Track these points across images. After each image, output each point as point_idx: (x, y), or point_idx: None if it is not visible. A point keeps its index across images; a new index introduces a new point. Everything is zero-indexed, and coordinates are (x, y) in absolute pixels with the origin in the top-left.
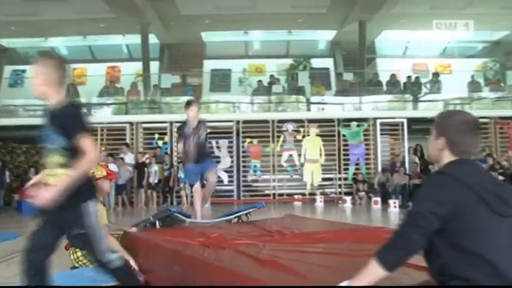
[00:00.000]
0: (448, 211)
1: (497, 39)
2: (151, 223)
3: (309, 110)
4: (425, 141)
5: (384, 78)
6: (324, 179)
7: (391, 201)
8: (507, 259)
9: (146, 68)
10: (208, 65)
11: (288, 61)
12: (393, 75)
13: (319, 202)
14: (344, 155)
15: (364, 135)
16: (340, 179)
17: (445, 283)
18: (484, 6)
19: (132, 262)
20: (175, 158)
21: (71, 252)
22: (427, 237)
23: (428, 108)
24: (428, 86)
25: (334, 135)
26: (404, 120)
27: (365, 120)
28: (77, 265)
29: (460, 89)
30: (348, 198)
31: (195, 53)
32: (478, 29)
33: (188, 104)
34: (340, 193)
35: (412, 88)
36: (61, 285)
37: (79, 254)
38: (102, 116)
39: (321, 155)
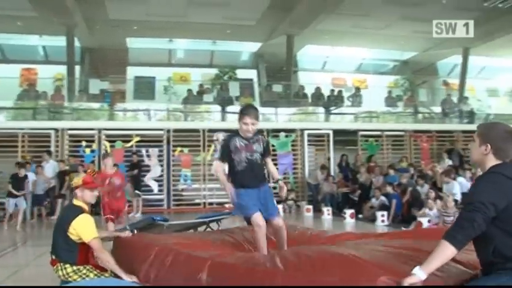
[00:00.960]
0: (503, 203)
1: (406, 58)
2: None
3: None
4: (350, 151)
5: (308, 90)
6: None
7: (324, 209)
8: None
9: (71, 72)
10: (132, 71)
11: (213, 71)
12: (318, 88)
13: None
14: (273, 164)
15: (292, 145)
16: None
17: (495, 263)
18: (398, 29)
19: (124, 276)
20: None
21: (59, 268)
22: (487, 222)
23: (351, 121)
24: (351, 99)
25: None
26: (330, 132)
27: (293, 131)
28: (67, 281)
29: (377, 103)
30: (280, 206)
31: (118, 58)
32: (390, 49)
33: (246, 111)
34: None
35: (335, 101)
36: None
37: (69, 270)
38: (22, 122)
39: None
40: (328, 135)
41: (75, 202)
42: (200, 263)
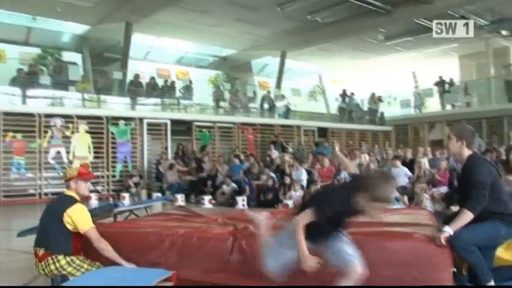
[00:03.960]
0: (490, 179)
1: (225, 55)
2: None
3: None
4: (185, 141)
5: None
6: None
7: (178, 196)
8: (509, 200)
9: None
10: None
11: (35, 50)
12: (153, 78)
13: (94, 200)
14: (112, 152)
15: (131, 134)
16: (108, 176)
17: (486, 217)
18: (230, 28)
19: (125, 263)
20: None
21: (51, 261)
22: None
23: (187, 112)
24: (182, 91)
25: (102, 133)
26: (168, 121)
27: (132, 119)
28: (60, 274)
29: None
30: (127, 195)
31: None
32: (215, 45)
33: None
34: (108, 190)
35: (169, 92)
36: None
37: (63, 262)
38: None
39: (89, 152)
40: (166, 124)
41: (68, 192)
42: (224, 245)
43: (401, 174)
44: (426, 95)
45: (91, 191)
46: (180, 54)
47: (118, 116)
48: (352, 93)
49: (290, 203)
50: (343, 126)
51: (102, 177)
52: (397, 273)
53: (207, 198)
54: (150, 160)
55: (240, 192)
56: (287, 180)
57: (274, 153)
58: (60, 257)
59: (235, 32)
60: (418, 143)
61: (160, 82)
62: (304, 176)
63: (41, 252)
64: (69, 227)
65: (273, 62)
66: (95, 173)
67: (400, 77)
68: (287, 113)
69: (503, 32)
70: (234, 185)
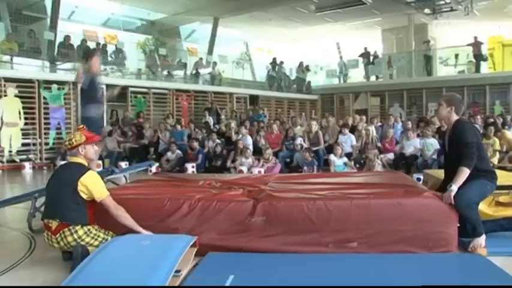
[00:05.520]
0: (476, 139)
1: (153, 19)
2: None
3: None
4: (120, 107)
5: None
6: (23, 144)
7: (122, 163)
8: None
9: None
10: None
11: None
12: (84, 40)
13: (28, 169)
14: (45, 118)
15: (65, 99)
16: (41, 144)
17: (473, 174)
18: None
19: (143, 231)
20: None
21: (68, 233)
22: None
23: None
24: (113, 55)
25: (34, 98)
26: (104, 86)
27: (66, 83)
28: (80, 244)
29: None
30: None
31: None
32: (140, 8)
33: None
34: (41, 159)
35: (102, 56)
36: None
37: (81, 232)
38: None
39: (20, 118)
40: (101, 89)
41: (76, 160)
42: (245, 206)
43: (349, 141)
44: (351, 66)
45: (22, 160)
46: (106, 16)
47: (50, 79)
48: (282, 62)
49: (244, 169)
50: (273, 94)
51: (34, 144)
52: (411, 227)
53: (154, 165)
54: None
55: (185, 158)
56: (240, 145)
57: (210, 120)
58: (78, 228)
59: None
60: (344, 111)
61: (91, 45)
62: (250, 142)
63: (55, 224)
64: (84, 196)
65: (200, 28)
66: (26, 141)
67: (326, 47)
68: (218, 80)
69: (426, 10)
70: (179, 151)
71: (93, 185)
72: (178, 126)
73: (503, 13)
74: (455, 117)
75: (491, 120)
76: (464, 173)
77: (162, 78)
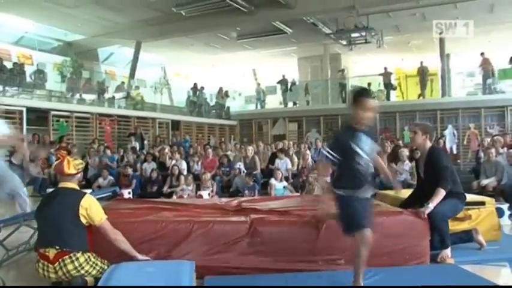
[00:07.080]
0: (450, 164)
1: (70, 40)
2: None
3: None
4: (42, 131)
5: None
6: None
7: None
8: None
9: None
10: None
11: None
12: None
13: None
14: None
15: None
16: None
17: (448, 195)
18: (86, 12)
19: (139, 256)
20: None
21: (69, 260)
22: None
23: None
24: (33, 76)
25: None
26: (24, 109)
27: None
28: (80, 273)
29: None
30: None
31: None
32: (56, 27)
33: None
34: None
35: (20, 76)
36: None
37: (82, 259)
38: None
39: None
40: (21, 112)
41: (69, 185)
42: (239, 228)
43: (284, 166)
44: (269, 92)
45: None
46: (19, 34)
47: None
48: (202, 87)
49: (185, 194)
50: (194, 120)
51: None
52: (390, 243)
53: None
54: None
55: (117, 184)
56: (176, 171)
57: (136, 145)
58: (79, 254)
59: (89, 16)
60: (262, 137)
61: (8, 65)
62: (185, 166)
63: (53, 252)
64: (84, 221)
65: (118, 51)
66: None
67: (243, 73)
68: (140, 104)
69: (343, 42)
70: (111, 177)
71: (93, 209)
72: (108, 151)
73: (407, 47)
74: (429, 144)
75: (401, 145)
76: (441, 193)
77: (85, 101)
